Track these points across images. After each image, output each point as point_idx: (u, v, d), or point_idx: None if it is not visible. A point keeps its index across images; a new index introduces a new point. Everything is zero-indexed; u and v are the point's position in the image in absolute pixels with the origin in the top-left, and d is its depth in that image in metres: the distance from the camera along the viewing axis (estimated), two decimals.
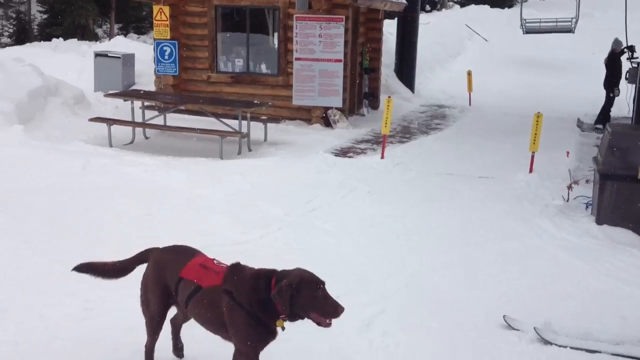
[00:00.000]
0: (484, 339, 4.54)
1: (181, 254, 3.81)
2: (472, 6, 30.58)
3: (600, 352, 4.27)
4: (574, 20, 18.38)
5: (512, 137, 11.98)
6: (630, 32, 12.61)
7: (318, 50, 12.56)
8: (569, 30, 18.72)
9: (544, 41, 24.97)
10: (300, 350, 4.17)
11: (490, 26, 27.53)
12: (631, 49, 13.50)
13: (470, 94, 16.54)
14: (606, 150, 6.73)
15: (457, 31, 25.25)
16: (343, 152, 10.85)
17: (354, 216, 7.09)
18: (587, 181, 8.19)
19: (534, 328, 4.50)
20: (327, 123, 12.88)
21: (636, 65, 14.47)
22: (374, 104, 15.41)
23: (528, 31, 19.32)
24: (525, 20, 19.17)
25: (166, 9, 13.09)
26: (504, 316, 4.74)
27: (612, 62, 13.97)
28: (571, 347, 4.33)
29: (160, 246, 3.99)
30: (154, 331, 3.83)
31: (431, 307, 4.99)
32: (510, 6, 35.57)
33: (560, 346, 4.36)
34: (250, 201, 7.40)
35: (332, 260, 5.67)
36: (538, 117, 9.30)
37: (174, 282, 3.69)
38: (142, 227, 6.29)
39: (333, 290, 3.44)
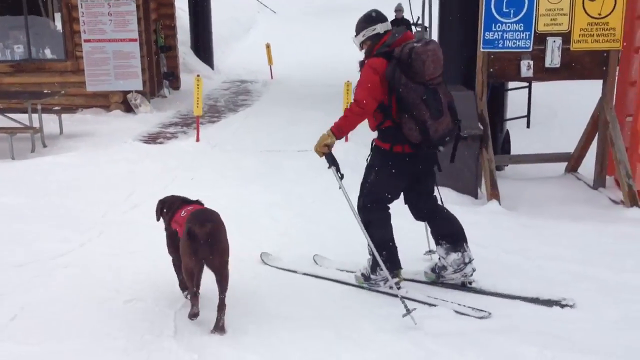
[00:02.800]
0: None
1: None
2: None
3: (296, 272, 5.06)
4: None
5: (320, 106, 12.03)
6: None
7: (109, 30, 11.63)
8: None
9: (333, 12, 25.76)
10: None
11: None
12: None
13: (271, 67, 16.46)
14: None
15: (247, 4, 25.04)
16: (152, 139, 10.18)
17: None
18: None
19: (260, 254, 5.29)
20: (128, 108, 12.05)
21: (420, 30, 15.50)
22: (175, 84, 14.74)
23: None
24: None
25: None
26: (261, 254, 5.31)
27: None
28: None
29: None
30: None
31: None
32: None
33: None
34: (59, 204, 6.58)
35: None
36: (348, 85, 9.39)
37: None
38: None
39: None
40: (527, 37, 6.82)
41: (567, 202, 6.82)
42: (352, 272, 5.05)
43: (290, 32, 23.12)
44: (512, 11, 6.77)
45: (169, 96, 14.12)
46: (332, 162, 4.52)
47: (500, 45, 6.87)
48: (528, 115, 7.88)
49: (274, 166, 8.27)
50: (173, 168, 8.08)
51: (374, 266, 4.65)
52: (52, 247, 5.41)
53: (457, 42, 8.01)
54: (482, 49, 6.90)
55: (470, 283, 4.74)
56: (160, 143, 9.84)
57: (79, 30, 11.63)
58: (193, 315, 4.04)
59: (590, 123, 7.33)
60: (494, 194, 6.73)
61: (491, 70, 6.98)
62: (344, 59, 17.62)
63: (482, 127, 6.99)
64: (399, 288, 4.53)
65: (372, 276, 4.73)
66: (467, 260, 4.65)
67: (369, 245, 4.66)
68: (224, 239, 4.10)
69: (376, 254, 4.52)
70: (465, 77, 7.91)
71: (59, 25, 12.60)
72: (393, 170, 4.47)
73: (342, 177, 4.55)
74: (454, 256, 4.64)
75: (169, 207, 4.47)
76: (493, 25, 6.81)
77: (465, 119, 6.86)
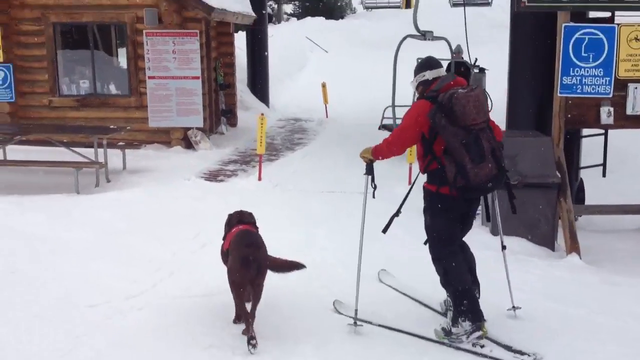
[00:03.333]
0: None
1: None
2: (309, 18, 30.89)
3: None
4: None
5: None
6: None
7: (173, 67, 11.80)
8: (488, 4, 20.61)
9: (380, 51, 25.74)
10: None
11: (328, 37, 27.92)
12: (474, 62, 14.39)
13: (326, 106, 16.48)
14: None
15: (299, 43, 25.30)
16: (213, 176, 10.21)
17: None
18: None
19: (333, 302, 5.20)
20: (188, 145, 12.14)
21: (478, 71, 15.37)
22: (232, 121, 14.87)
23: (455, 4, 21.63)
24: None
25: None
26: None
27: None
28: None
29: None
30: None
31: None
32: (341, 17, 36.57)
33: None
34: (129, 241, 6.57)
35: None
36: None
37: None
38: (7, 288, 5.29)
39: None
40: (607, 82, 6.64)
41: None
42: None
43: (341, 68, 23.14)
44: (591, 56, 6.61)
45: (227, 133, 14.23)
46: (369, 171, 4.93)
47: (578, 91, 6.70)
48: (604, 164, 7.61)
49: (338, 208, 8.14)
50: (236, 207, 7.95)
51: (455, 318, 4.53)
52: (124, 286, 5.37)
53: (528, 86, 7.86)
54: (559, 94, 6.73)
55: None
56: (221, 181, 9.85)
57: (144, 67, 11.83)
58: (251, 338, 4.32)
59: None
60: (574, 246, 6.45)
61: (569, 116, 6.79)
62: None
63: (559, 175, 6.76)
64: (482, 347, 4.42)
65: (453, 330, 4.54)
66: None
67: (448, 297, 4.65)
68: (265, 263, 4.59)
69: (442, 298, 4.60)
70: (537, 122, 7.73)
71: (122, 61, 12.90)
72: (443, 211, 4.55)
73: (375, 187, 4.90)
74: None
75: (228, 223, 5.10)
76: (571, 69, 6.66)
77: (542, 166, 6.70)
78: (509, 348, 4.44)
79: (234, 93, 15.02)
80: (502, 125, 8.88)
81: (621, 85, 6.64)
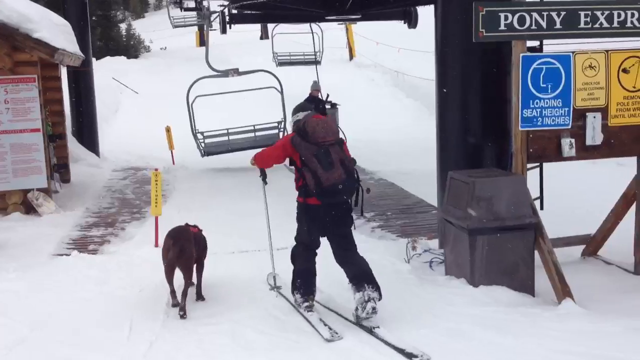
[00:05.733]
0: None
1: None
2: (108, 58, 28.70)
3: None
4: (318, 53, 19.81)
5: (248, 192, 10.66)
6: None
7: (6, 120, 9.76)
8: (318, 63, 20.06)
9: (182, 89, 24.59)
10: None
11: (135, 78, 26.10)
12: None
13: (172, 151, 14.95)
14: (471, 202, 6.11)
15: (108, 85, 23.16)
16: (81, 245, 8.44)
17: (207, 337, 5.16)
18: None
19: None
20: (28, 209, 10.05)
21: (330, 106, 15.15)
22: (66, 177, 12.77)
23: (281, 63, 20.72)
24: (276, 53, 20.47)
25: None
26: None
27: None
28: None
29: None
30: None
31: None
32: (136, 57, 34.74)
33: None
34: (52, 353, 4.84)
35: None
36: None
37: None
38: None
39: None
40: (566, 113, 6.40)
41: (632, 293, 6.25)
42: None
43: (154, 108, 21.45)
44: (549, 86, 6.33)
45: (61, 191, 12.13)
46: (262, 172, 6.22)
47: (539, 123, 6.37)
48: (541, 197, 7.32)
49: (263, 270, 6.93)
50: (153, 285, 6.47)
51: (292, 290, 5.75)
52: None
53: (461, 122, 7.49)
54: (520, 128, 6.35)
55: (373, 328, 5.22)
56: (95, 251, 8.13)
57: None
58: (173, 305, 5.83)
59: (622, 203, 6.97)
60: (565, 290, 5.88)
61: (530, 150, 6.43)
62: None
63: (533, 214, 6.31)
64: (309, 310, 5.56)
65: (293, 297, 5.74)
66: (366, 298, 5.27)
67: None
68: (188, 251, 5.90)
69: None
70: (473, 160, 7.33)
71: None
72: (307, 219, 5.61)
73: (266, 183, 6.30)
74: (358, 295, 5.34)
75: None
76: (531, 102, 6.32)
77: (518, 206, 6.21)
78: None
79: (65, 145, 12.93)
80: (434, 165, 8.38)
81: (578, 115, 6.43)
